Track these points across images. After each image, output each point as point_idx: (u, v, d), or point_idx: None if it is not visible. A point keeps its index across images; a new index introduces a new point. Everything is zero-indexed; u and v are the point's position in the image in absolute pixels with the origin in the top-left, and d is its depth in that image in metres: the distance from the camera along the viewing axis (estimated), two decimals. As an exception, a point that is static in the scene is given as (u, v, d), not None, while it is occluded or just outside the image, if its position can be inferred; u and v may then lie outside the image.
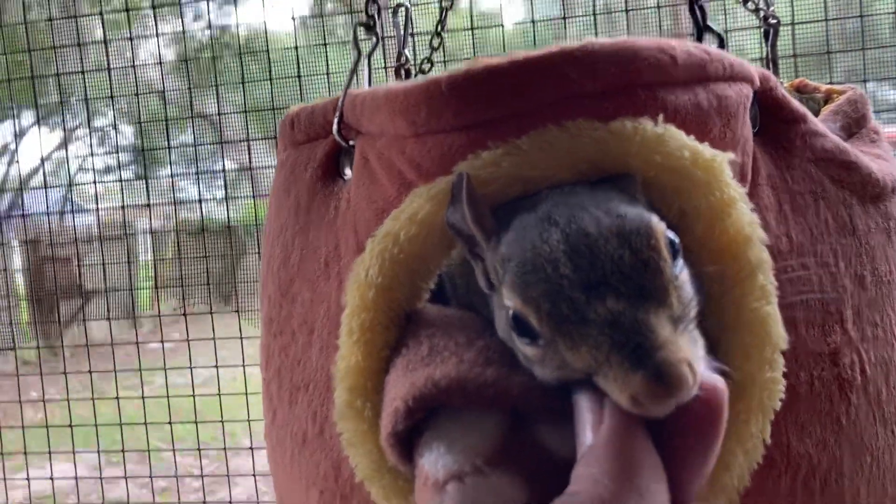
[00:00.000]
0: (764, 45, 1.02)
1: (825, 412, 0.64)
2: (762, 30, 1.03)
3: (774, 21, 1.03)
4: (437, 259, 0.63)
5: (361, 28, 0.78)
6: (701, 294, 0.57)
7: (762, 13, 1.02)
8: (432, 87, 0.60)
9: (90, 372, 2.33)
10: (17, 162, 2.52)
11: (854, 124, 0.88)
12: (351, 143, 0.73)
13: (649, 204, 0.58)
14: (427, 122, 0.61)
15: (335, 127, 0.73)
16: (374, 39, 0.79)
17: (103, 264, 2.44)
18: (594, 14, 1.97)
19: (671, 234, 0.52)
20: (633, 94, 0.59)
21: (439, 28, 1.22)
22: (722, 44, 0.73)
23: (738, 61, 0.65)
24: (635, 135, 0.57)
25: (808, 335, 0.65)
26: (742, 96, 0.65)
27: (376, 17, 0.80)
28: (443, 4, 1.18)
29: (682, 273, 0.52)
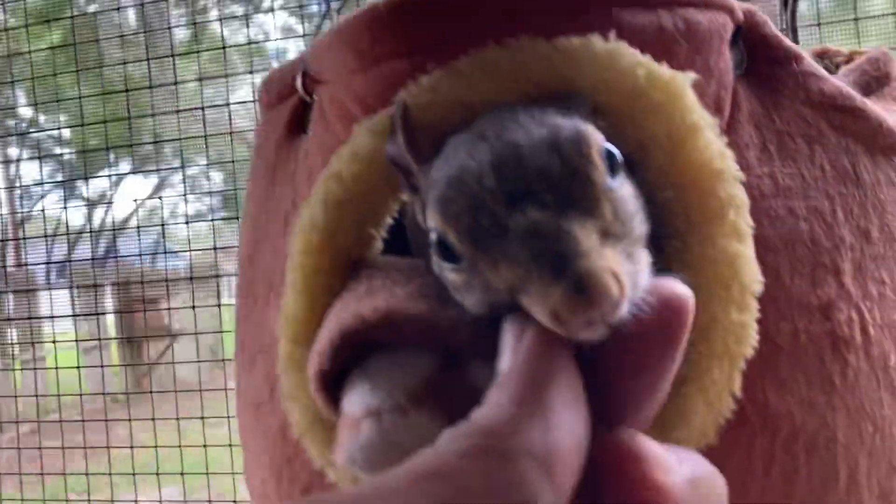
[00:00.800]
0: (784, 12, 0.96)
1: (814, 370, 0.57)
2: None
3: (793, -11, 0.97)
4: (385, 200, 0.59)
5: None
6: (662, 227, 0.52)
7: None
8: (374, 11, 0.57)
9: (178, 419, 2.30)
10: (111, 208, 2.56)
11: (874, 82, 0.81)
12: (315, 96, 0.70)
13: (604, 132, 0.54)
14: (371, 49, 0.58)
15: (299, 81, 0.71)
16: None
17: (193, 307, 2.44)
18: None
19: (611, 147, 0.47)
20: (585, 12, 0.54)
21: None
22: None
23: (714, -11, 0.60)
24: (583, 51, 0.52)
25: (794, 284, 0.58)
26: (717, 25, 0.59)
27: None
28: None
29: (622, 188, 0.46)
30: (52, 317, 2.37)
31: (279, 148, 0.75)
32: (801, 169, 0.62)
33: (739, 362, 0.52)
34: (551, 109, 0.49)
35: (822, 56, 0.93)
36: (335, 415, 0.54)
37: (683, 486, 0.39)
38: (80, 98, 2.03)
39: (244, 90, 2.47)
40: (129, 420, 2.36)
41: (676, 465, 0.40)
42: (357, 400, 0.50)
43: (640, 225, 0.47)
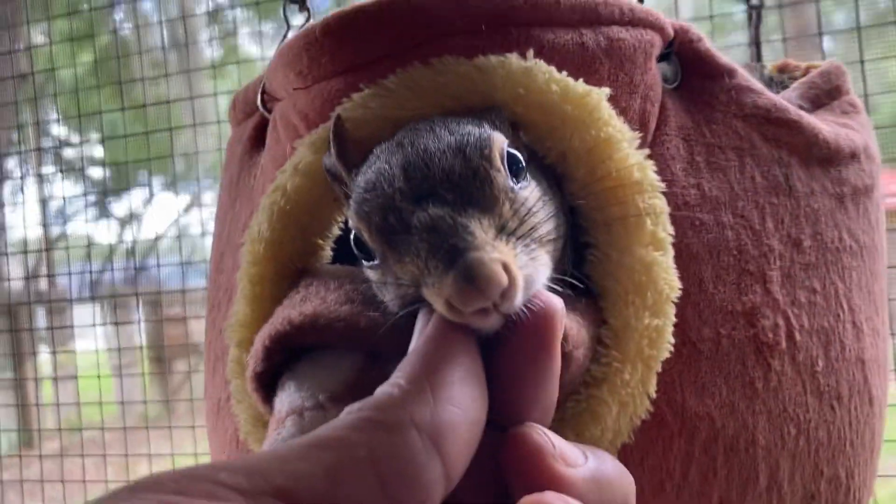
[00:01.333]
0: (748, 27, 0.98)
1: (735, 374, 0.59)
2: (746, 12, 0.99)
3: (758, 3, 0.99)
4: (328, 211, 0.62)
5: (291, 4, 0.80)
6: (586, 236, 0.55)
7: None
8: (309, 34, 0.60)
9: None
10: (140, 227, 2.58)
11: (825, 95, 0.83)
12: (272, 113, 0.74)
13: (527, 147, 0.56)
14: (310, 70, 0.61)
15: (258, 98, 0.74)
16: (306, 14, 0.80)
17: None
18: None
19: (514, 151, 0.50)
20: (506, 32, 0.57)
21: None
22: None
23: (642, 8, 0.63)
24: (500, 69, 0.55)
25: (717, 291, 0.60)
26: (643, 42, 0.62)
27: (308, -7, 0.81)
28: None
29: (525, 190, 0.49)
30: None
31: (241, 163, 0.78)
32: (731, 180, 0.64)
33: (654, 365, 0.54)
34: (466, 120, 0.53)
35: (782, 70, 0.95)
36: (271, 414, 0.57)
37: (585, 480, 0.42)
38: (121, 110, 2.07)
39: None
40: (170, 427, 2.37)
41: (580, 459, 0.43)
42: (284, 399, 0.53)
43: (544, 226, 0.49)
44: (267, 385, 0.56)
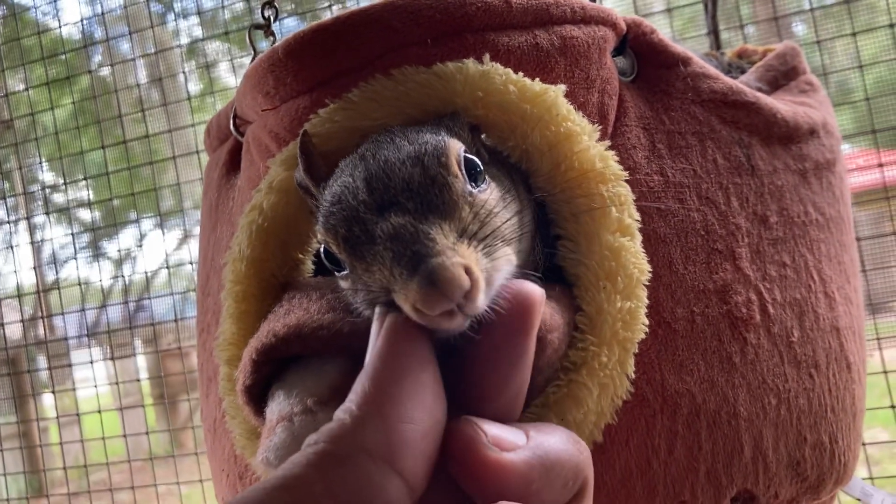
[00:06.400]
0: (705, 15, 1.01)
1: (712, 350, 0.61)
2: (703, 2, 1.02)
3: (713, -7, 1.02)
4: (305, 225, 0.63)
5: (257, 30, 0.82)
6: (556, 228, 0.56)
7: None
8: (273, 55, 0.62)
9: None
10: (137, 267, 2.58)
11: (782, 77, 0.85)
12: (245, 136, 0.75)
13: (490, 147, 0.58)
14: (276, 90, 0.63)
15: (231, 122, 0.76)
16: (272, 39, 0.82)
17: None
18: None
19: (471, 156, 0.52)
20: (462, 39, 0.59)
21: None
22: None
23: (593, 5, 0.65)
24: (458, 74, 0.57)
25: (687, 271, 0.62)
26: (596, 38, 0.64)
27: (271, 19, 0.83)
28: None
29: (484, 193, 0.51)
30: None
31: (219, 188, 0.80)
32: (693, 164, 0.66)
33: (630, 346, 0.55)
34: (425, 128, 0.55)
35: (741, 56, 0.97)
36: (263, 426, 0.58)
37: (525, 461, 0.42)
38: (101, 148, 2.07)
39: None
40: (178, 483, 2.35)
41: (520, 441, 0.43)
42: (274, 408, 0.55)
43: (506, 225, 0.51)
44: (258, 398, 0.58)
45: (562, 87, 0.58)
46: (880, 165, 1.33)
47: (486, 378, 0.45)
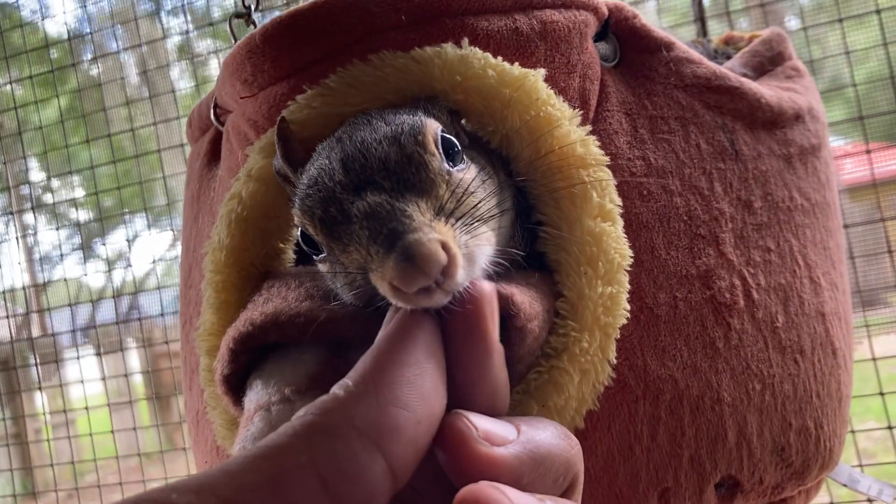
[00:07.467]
0: (693, 3, 1.00)
1: (695, 336, 0.60)
2: (689, -8, 1.01)
3: (699, -19, 1.01)
4: (285, 213, 0.63)
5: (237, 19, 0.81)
6: (537, 214, 0.56)
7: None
8: (251, 42, 0.61)
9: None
10: (131, 266, 2.58)
11: (768, 62, 0.85)
12: (225, 125, 0.75)
13: (470, 132, 0.58)
14: (254, 77, 0.62)
15: (211, 112, 0.75)
16: (253, 28, 0.81)
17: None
18: None
19: (448, 136, 0.51)
20: (440, 23, 0.58)
21: None
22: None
23: (574, -10, 0.64)
24: (436, 59, 0.56)
25: (670, 256, 0.61)
26: (577, 23, 0.63)
27: (252, 8, 0.82)
28: None
29: (462, 172, 0.50)
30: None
31: (201, 178, 0.79)
32: (676, 149, 0.66)
33: (612, 332, 0.55)
34: (402, 110, 0.54)
35: (727, 42, 0.97)
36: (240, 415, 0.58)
37: (516, 455, 0.42)
38: (86, 142, 2.07)
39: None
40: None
41: (510, 435, 0.43)
42: (252, 397, 0.54)
43: (484, 204, 0.51)
44: (237, 388, 0.57)
45: (542, 72, 0.57)
46: (867, 152, 1.32)
47: (457, 379, 0.45)
